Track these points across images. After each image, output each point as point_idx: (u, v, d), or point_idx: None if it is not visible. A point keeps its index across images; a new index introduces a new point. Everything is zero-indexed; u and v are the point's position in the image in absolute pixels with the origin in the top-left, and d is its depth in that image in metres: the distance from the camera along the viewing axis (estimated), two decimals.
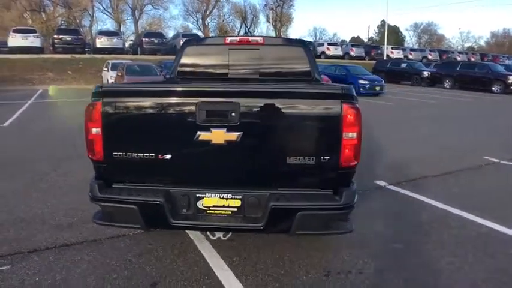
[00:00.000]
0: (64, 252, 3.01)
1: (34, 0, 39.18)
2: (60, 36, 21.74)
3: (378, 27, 62.92)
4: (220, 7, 53.66)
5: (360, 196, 4.21)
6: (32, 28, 22.81)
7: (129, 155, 2.28)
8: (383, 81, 17.34)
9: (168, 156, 2.26)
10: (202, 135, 2.18)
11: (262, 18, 56.80)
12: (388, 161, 5.92)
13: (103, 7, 47.30)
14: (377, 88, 16.78)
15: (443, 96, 17.14)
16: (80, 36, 23.23)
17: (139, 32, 41.80)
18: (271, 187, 2.29)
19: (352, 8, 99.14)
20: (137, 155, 2.28)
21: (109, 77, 15.96)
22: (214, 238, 2.74)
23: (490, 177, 5.26)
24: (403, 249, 3.08)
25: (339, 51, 30.70)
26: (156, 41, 24.29)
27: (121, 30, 46.48)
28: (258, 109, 2.20)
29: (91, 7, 45.56)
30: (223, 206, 2.32)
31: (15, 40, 20.36)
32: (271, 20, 54.22)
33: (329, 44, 31.97)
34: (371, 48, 33.55)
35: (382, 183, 4.81)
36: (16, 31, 21.11)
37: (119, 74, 14.15)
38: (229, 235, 2.78)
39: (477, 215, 3.74)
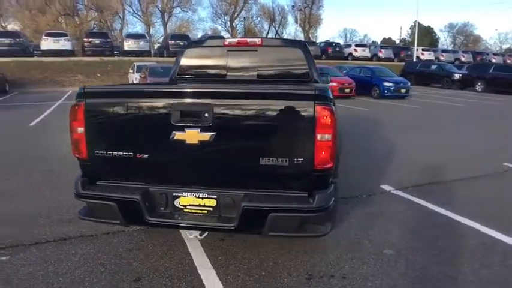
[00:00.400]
0: (61, 246, 3.15)
1: (68, 5, 41.02)
2: (90, 40, 22.64)
3: (410, 28, 61.15)
4: (248, 9, 54.10)
5: (361, 200, 4.25)
6: (63, 32, 23.85)
7: (110, 153, 2.37)
8: (409, 84, 16.84)
9: (145, 156, 2.33)
10: (177, 135, 2.24)
11: (290, 19, 56.63)
12: (400, 165, 5.76)
13: (133, 10, 48.83)
14: (403, 90, 16.33)
15: (473, 100, 16.44)
16: (108, 40, 24.06)
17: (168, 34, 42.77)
18: (245, 188, 2.30)
19: (384, 8, 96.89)
20: (117, 154, 2.36)
21: (134, 78, 16.43)
22: (202, 237, 2.78)
23: (506, 185, 5.01)
24: (394, 256, 3.00)
25: (366, 53, 30.08)
26: (181, 43, 24.74)
27: (150, 32, 47.88)
28: (231, 110, 2.23)
29: (122, 10, 47.21)
30: (199, 206, 2.35)
31: (47, 43, 21.39)
32: (299, 21, 53.97)
33: (356, 46, 31.38)
34: (401, 49, 32.64)
35: (388, 187, 4.69)
36: (48, 35, 22.15)
37: (143, 76, 14.55)
38: (205, 234, 2.81)
39: (483, 224, 3.58)
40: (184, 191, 2.36)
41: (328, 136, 2.15)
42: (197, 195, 2.34)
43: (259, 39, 3.82)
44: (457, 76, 21.69)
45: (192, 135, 2.22)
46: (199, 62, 3.97)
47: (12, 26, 42.80)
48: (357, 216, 3.78)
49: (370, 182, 4.88)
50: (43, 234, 3.36)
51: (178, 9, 50.59)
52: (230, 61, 3.84)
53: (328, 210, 2.24)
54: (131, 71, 17.79)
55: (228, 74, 3.87)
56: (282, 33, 56.47)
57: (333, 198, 2.30)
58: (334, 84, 16.18)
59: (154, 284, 2.60)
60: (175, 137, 2.24)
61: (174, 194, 2.37)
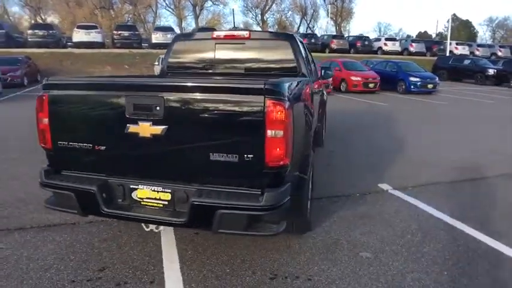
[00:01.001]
0: (42, 232, 3.24)
1: None
2: (119, 32, 23.24)
3: (448, 22, 58.33)
4: (279, 2, 53.51)
5: (353, 199, 4.09)
6: (94, 24, 24.61)
7: (71, 144, 2.40)
8: (437, 79, 16.11)
9: (103, 147, 2.34)
10: (131, 128, 2.22)
11: (322, 13, 55.45)
12: (407, 163, 5.52)
13: (166, 3, 49.56)
14: (429, 86, 15.65)
15: (506, 97, 15.48)
16: (136, 32, 24.58)
17: (198, 27, 43.15)
18: (199, 183, 2.26)
19: (421, 1, 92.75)
20: (78, 145, 2.38)
21: (159, 70, 16.72)
22: (158, 230, 2.77)
23: None
24: (370, 259, 2.86)
25: (396, 47, 28.94)
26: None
27: (182, 26, 48.56)
28: (182, 104, 2.19)
29: (155, 4, 48.12)
30: (155, 199, 2.33)
31: (79, 35, 22.18)
32: (331, 15, 52.80)
33: (386, 39, 30.25)
34: (433, 43, 31.15)
35: (386, 186, 4.50)
36: (80, 27, 22.96)
37: None
38: (161, 228, 2.79)
39: (479, 231, 3.35)
40: (140, 183, 2.35)
41: (280, 132, 2.05)
42: (153, 189, 2.32)
43: (247, 32, 3.73)
44: (491, 71, 20.50)
45: (145, 129, 2.20)
46: (187, 55, 3.94)
47: (51, 18, 44.83)
48: (342, 216, 3.64)
49: (369, 180, 4.71)
50: (29, 220, 3.48)
51: (210, 2, 50.92)
52: (218, 54, 3.78)
53: (281, 209, 2.15)
54: (156, 63, 18.08)
55: (216, 67, 3.81)
56: (314, 27, 55.57)
57: (288, 197, 2.21)
58: (355, 78, 15.76)
59: (116, 275, 2.61)
60: (130, 130, 2.23)
61: (131, 187, 2.37)
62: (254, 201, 2.07)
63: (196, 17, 50.62)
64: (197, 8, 50.37)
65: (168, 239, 3.12)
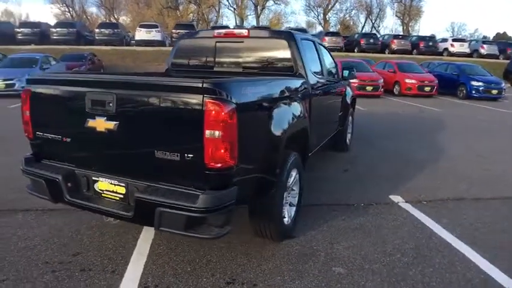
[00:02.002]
0: (42, 215, 3.50)
1: None
2: (178, 31, 24.23)
3: None
4: (342, 1, 52.12)
5: (354, 210, 3.85)
6: (154, 24, 25.98)
7: (45, 135, 2.57)
8: (503, 84, 14.57)
9: (69, 139, 2.47)
10: (90, 122, 2.31)
11: (389, 11, 52.98)
12: (434, 175, 5.05)
13: (229, 3, 50.75)
14: (494, 92, 14.21)
15: None
16: (193, 31, 25.42)
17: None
18: (147, 179, 2.27)
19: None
20: (50, 136, 2.54)
21: None
22: (115, 222, 2.84)
23: None
24: (341, 276, 2.65)
25: (465, 48, 26.59)
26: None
27: (243, 25, 49.40)
28: (130, 100, 2.23)
29: (218, 4, 49.54)
30: (113, 192, 2.39)
31: (140, 34, 23.61)
32: (398, 14, 50.24)
33: (454, 40, 27.89)
34: (507, 45, 28.15)
35: (397, 198, 4.17)
36: (141, 26, 24.42)
37: None
38: (117, 220, 2.83)
39: (485, 257, 2.95)
40: (101, 176, 2.42)
41: (218, 133, 1.98)
42: (111, 182, 2.39)
43: (246, 30, 3.67)
44: None
45: (100, 123, 2.27)
46: (190, 54, 3.99)
47: (123, 18, 48.35)
48: (334, 226, 3.44)
49: (382, 190, 4.40)
50: (37, 203, 3.75)
51: (271, 1, 51.17)
52: (218, 53, 3.78)
53: (222, 213, 2.09)
54: None
55: (216, 65, 3.81)
56: (379, 26, 53.29)
57: (233, 201, 2.13)
58: (410, 81, 14.81)
59: (85, 261, 2.73)
60: (89, 124, 2.32)
61: (93, 178, 2.46)
62: (191, 202, 2.03)
63: (258, 16, 51.22)
64: (259, 7, 50.95)
65: (148, 231, 3.18)
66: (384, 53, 26.64)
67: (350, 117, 6.12)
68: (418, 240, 3.23)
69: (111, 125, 2.23)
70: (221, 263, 2.77)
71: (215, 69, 3.80)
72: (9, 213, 3.54)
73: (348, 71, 5.24)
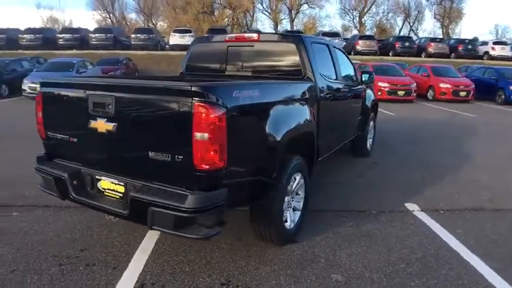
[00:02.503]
0: (60, 211, 3.68)
1: (206, 4, 45.54)
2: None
3: None
4: (378, 4, 50.94)
5: (364, 217, 3.76)
6: (188, 28, 26.57)
7: (55, 135, 2.73)
8: None
9: (75, 139, 2.61)
10: (92, 123, 2.44)
11: (428, 14, 51.04)
12: (456, 183, 4.84)
13: (263, 7, 51.13)
14: None
15: None
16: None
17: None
18: (143, 179, 2.35)
19: None
20: (59, 136, 2.70)
21: None
22: (115, 220, 2.93)
23: None
24: (338, 283, 2.60)
25: (506, 52, 25.02)
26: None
27: (278, 29, 49.58)
28: (127, 103, 2.32)
29: (252, 8, 50.04)
30: (114, 190, 2.49)
31: (174, 39, 24.23)
32: (437, 16, 48.37)
33: (494, 43, 26.33)
34: None
35: (412, 207, 4.02)
36: (175, 31, 25.06)
37: None
38: (117, 218, 2.91)
39: (497, 271, 2.79)
40: (103, 175, 2.53)
41: (207, 135, 2.02)
42: (111, 181, 2.49)
43: (257, 34, 3.70)
44: None
45: (101, 125, 2.39)
46: (202, 58, 4.08)
47: (160, 23, 49.98)
48: (341, 233, 3.37)
49: (398, 198, 4.26)
50: (56, 199, 3.96)
51: (306, 5, 51.00)
52: (230, 57, 3.84)
53: (211, 214, 2.12)
54: None
55: (228, 69, 3.87)
56: (417, 29, 51.52)
57: (222, 202, 2.15)
58: (444, 86, 14.27)
59: (91, 256, 2.85)
60: (91, 125, 2.44)
61: (97, 177, 2.57)
62: (180, 202, 2.08)
63: (292, 20, 51.19)
64: (293, 11, 50.92)
65: (154, 231, 3.26)
66: (420, 56, 25.70)
67: (371, 122, 5.98)
68: (427, 250, 3.10)
69: (111, 126, 2.34)
70: (220, 264, 2.80)
71: (227, 72, 3.86)
72: (30, 209, 3.76)
73: (367, 75, 5.13)
